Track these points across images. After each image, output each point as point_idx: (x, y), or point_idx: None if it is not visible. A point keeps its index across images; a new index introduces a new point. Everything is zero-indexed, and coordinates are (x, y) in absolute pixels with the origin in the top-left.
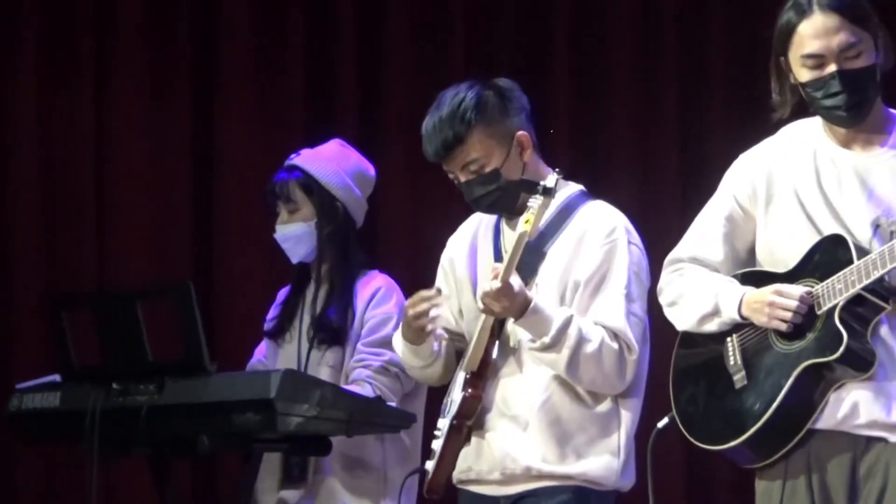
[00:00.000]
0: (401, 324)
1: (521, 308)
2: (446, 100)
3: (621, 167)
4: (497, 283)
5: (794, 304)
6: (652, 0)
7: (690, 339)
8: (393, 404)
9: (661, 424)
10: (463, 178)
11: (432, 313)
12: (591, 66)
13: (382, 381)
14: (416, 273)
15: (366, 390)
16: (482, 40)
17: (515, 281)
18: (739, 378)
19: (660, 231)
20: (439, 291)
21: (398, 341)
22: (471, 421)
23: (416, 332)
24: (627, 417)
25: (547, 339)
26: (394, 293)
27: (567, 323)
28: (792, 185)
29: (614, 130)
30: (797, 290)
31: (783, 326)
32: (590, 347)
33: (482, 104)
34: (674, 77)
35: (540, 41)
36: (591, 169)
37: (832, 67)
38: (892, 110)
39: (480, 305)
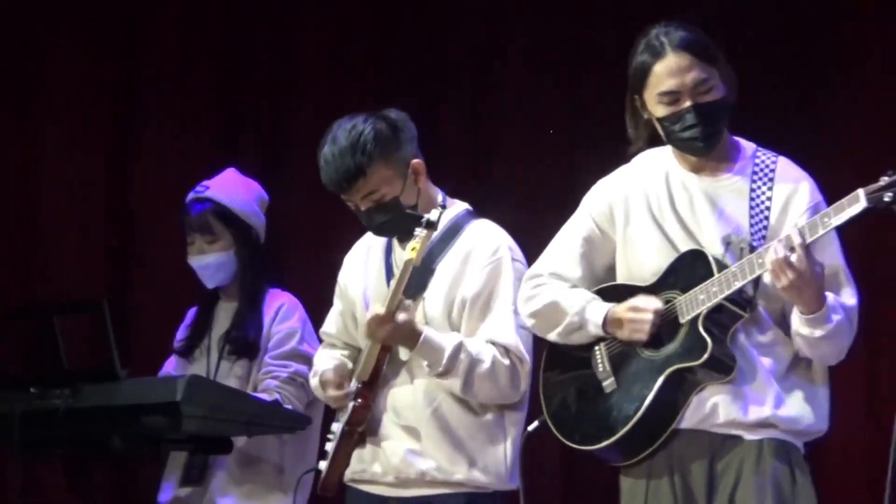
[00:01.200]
0: (322, 386)
1: (413, 339)
2: (343, 132)
3: (508, 186)
4: (381, 310)
5: (648, 317)
6: (542, 36)
7: (559, 348)
8: (290, 407)
9: (531, 428)
10: (363, 207)
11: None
12: (482, 88)
13: (289, 391)
14: (317, 288)
15: (274, 398)
16: (382, 65)
17: (402, 316)
18: (609, 384)
19: (543, 246)
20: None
21: (314, 381)
22: (361, 427)
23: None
24: (513, 425)
25: (441, 367)
26: (296, 310)
27: (458, 349)
28: (647, 208)
29: (502, 151)
30: (652, 304)
31: (643, 339)
32: (482, 367)
33: (380, 137)
34: (560, 100)
35: (436, 67)
36: (479, 187)
37: (687, 102)
38: (736, 138)
39: (365, 331)
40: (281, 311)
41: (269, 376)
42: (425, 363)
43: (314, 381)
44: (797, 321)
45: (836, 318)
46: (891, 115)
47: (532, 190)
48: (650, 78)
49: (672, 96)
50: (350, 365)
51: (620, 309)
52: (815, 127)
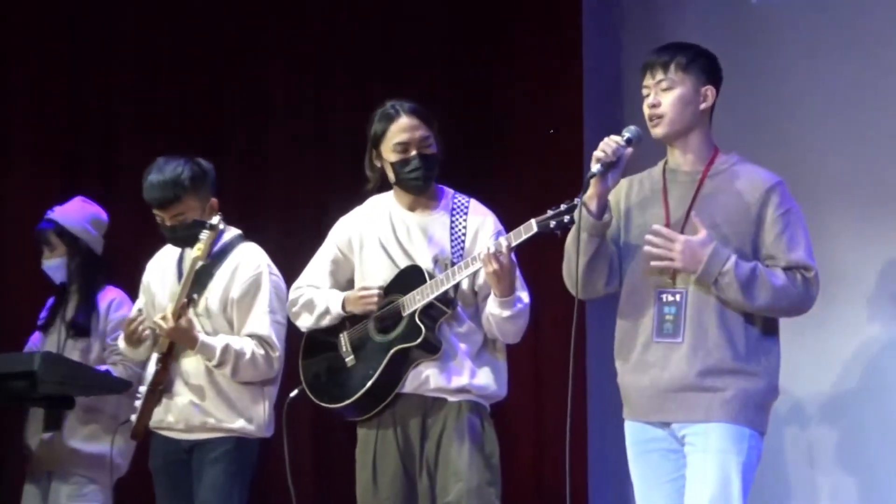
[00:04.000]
0: (122, 334)
1: (192, 344)
2: (168, 167)
3: (276, 217)
4: (169, 310)
5: (374, 292)
6: (298, 104)
7: (313, 336)
8: (118, 375)
9: (292, 395)
10: (170, 224)
11: (142, 330)
12: (256, 143)
13: (128, 362)
14: (138, 286)
15: (118, 369)
16: (205, 125)
17: (185, 321)
18: (350, 360)
19: (303, 263)
20: (140, 312)
21: (122, 344)
22: (161, 387)
23: (133, 341)
24: (270, 390)
25: (214, 362)
26: (125, 302)
27: (225, 348)
28: (377, 237)
29: (272, 191)
30: (375, 285)
31: (373, 308)
32: (245, 359)
33: (195, 176)
34: (313, 153)
35: (221, 126)
36: (254, 217)
37: (414, 152)
38: (439, 185)
39: (160, 325)
40: (113, 303)
41: (114, 353)
42: (204, 358)
43: (121, 344)
44: (492, 304)
45: (519, 305)
46: (546, 163)
47: (294, 221)
48: (388, 133)
49: (404, 146)
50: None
51: (353, 292)
52: (496, 174)
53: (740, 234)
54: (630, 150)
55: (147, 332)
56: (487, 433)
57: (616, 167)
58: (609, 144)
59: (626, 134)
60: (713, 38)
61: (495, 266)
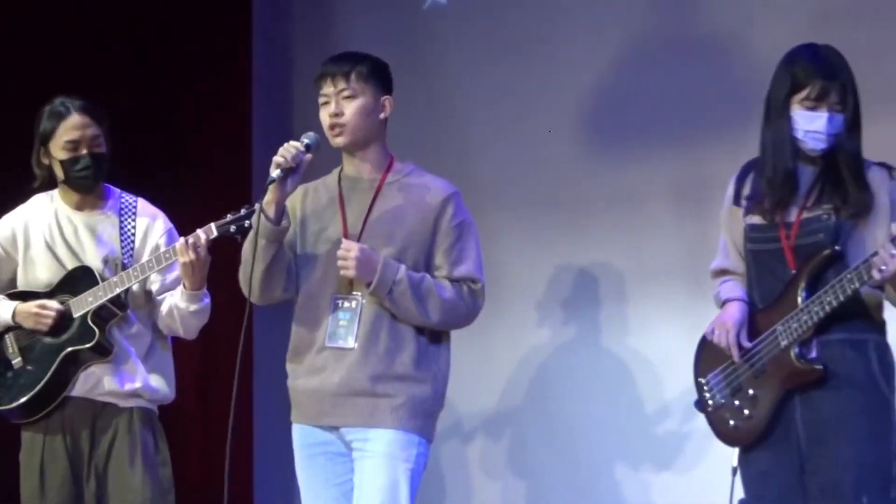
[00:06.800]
0: None
1: None
2: None
3: None
4: None
5: (52, 313)
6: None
7: None
8: None
9: None
10: None
11: None
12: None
13: None
14: None
15: None
16: None
17: None
18: (17, 362)
19: None
20: None
21: None
22: None
23: None
24: None
25: None
26: None
27: None
28: (43, 236)
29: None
30: (54, 306)
31: (44, 329)
32: None
33: None
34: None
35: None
36: None
37: (84, 150)
38: (106, 184)
39: None
40: None
41: None
42: None
43: None
44: (180, 297)
45: (206, 300)
46: (218, 172)
47: None
48: (58, 131)
49: (74, 144)
50: None
51: (28, 306)
52: (171, 178)
53: (416, 242)
54: (309, 156)
55: None
56: (159, 440)
57: (295, 173)
58: (288, 150)
59: (305, 140)
60: (385, 45)
61: (192, 257)
